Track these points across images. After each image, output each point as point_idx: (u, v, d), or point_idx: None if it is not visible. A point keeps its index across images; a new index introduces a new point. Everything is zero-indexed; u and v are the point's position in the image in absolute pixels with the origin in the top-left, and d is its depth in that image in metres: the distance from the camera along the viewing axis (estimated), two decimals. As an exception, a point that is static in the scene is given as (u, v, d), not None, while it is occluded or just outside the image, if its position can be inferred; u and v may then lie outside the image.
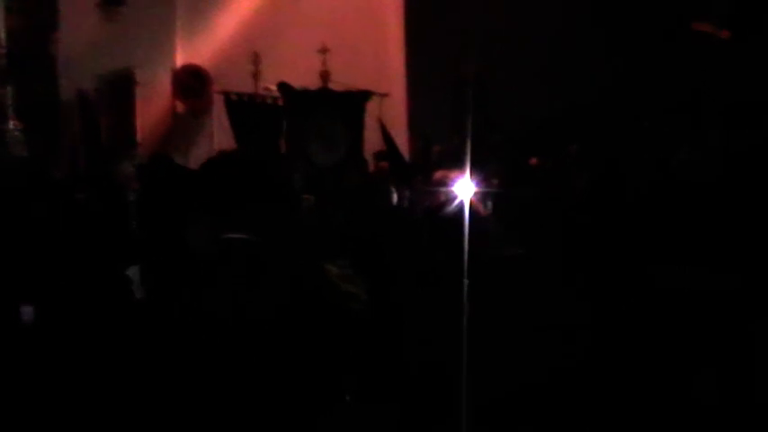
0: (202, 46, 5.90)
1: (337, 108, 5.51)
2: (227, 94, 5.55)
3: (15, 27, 4.83)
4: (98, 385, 1.88)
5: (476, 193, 2.32)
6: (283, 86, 5.47)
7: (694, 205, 2.47)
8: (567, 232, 2.53)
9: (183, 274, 1.73)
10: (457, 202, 2.30)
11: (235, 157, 2.61)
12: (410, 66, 5.97)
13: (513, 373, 2.00)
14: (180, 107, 5.95)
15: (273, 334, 1.51)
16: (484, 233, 2.23)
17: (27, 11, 4.99)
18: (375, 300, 1.74)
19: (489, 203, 2.48)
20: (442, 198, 2.53)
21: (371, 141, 5.38)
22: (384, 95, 5.54)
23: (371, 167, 4.99)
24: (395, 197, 2.71)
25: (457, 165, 2.62)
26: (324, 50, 5.49)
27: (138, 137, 5.53)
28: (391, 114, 5.56)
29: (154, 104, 5.77)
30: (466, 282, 1.93)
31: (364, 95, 5.52)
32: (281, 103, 5.57)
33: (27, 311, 2.03)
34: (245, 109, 5.54)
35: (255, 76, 5.55)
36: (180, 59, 5.94)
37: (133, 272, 2.13)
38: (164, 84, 5.85)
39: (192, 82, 5.87)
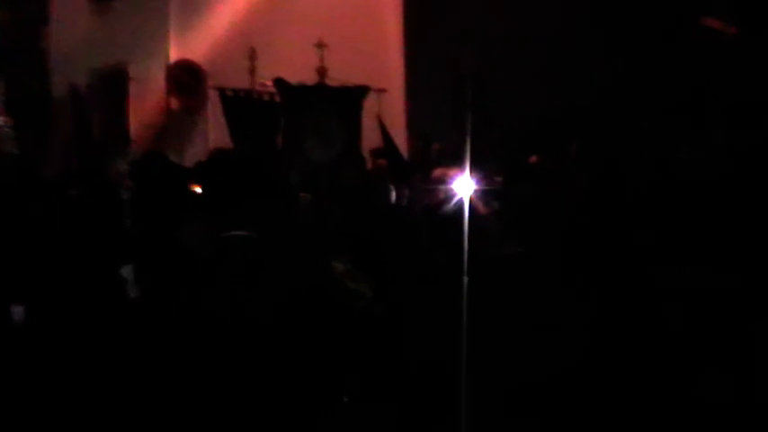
0: (197, 41, 5.84)
1: (334, 104, 5.48)
2: (222, 90, 5.51)
3: (4, 20, 4.76)
4: (90, 385, 1.85)
5: (475, 192, 2.30)
6: (280, 82, 5.43)
7: (695, 205, 2.46)
8: (566, 231, 2.51)
9: (178, 272, 1.70)
10: (456, 200, 2.28)
11: (231, 154, 2.58)
12: (409, 63, 5.95)
13: (512, 372, 1.99)
14: (174, 103, 5.89)
15: (276, 332, 1.48)
16: (483, 232, 2.21)
17: (16, 3, 4.92)
18: (379, 298, 1.72)
19: (495, 203, 2.46)
20: (441, 196, 2.51)
21: (370, 139, 5.35)
22: (382, 91, 5.50)
23: (369, 165, 4.96)
24: (393, 195, 2.69)
25: (456, 163, 2.59)
26: (321, 45, 5.44)
27: (132, 134, 5.47)
28: (390, 112, 5.53)
29: (147, 101, 5.71)
30: (465, 280, 1.91)
31: (361, 91, 5.49)
32: (277, 99, 5.53)
33: (18, 311, 2.00)
34: (240, 105, 5.49)
35: (251, 71, 5.50)
36: (174, 54, 5.88)
37: (127, 271, 2.10)
38: (157, 79, 5.79)
39: (186, 78, 5.82)
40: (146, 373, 1.64)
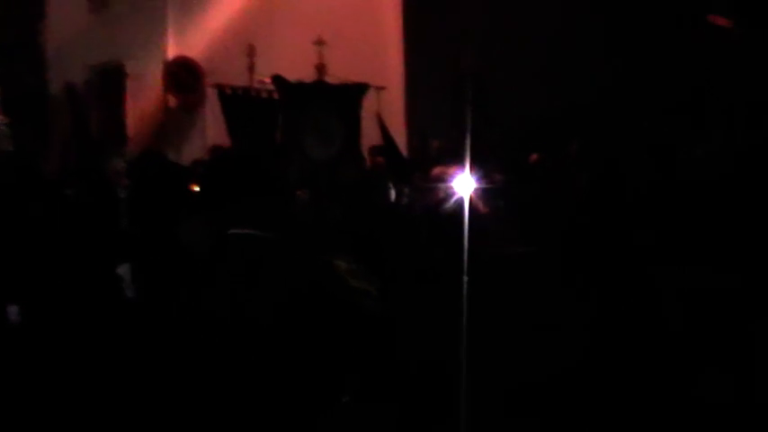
0: (195, 38, 5.81)
1: (333, 101, 5.47)
2: (220, 88, 5.48)
3: (0, 17, 4.72)
4: (88, 385, 1.84)
5: (475, 191, 2.29)
6: (278, 79, 5.41)
7: (695, 205, 2.46)
8: (566, 231, 2.51)
9: (177, 271, 1.69)
10: (456, 198, 2.26)
11: (229, 152, 2.56)
12: (409, 61, 5.94)
13: (512, 372, 1.98)
14: (172, 101, 5.86)
15: (278, 331, 1.47)
16: (483, 231, 2.20)
17: (13, 0, 4.88)
18: (381, 297, 1.71)
19: (495, 202, 2.45)
20: (441, 195, 2.49)
21: (369, 137, 5.33)
22: (381, 89, 5.49)
23: (369, 163, 4.95)
24: (392, 193, 2.68)
25: (456, 161, 2.58)
26: (320, 42, 5.43)
27: (129, 131, 5.44)
28: (390, 110, 5.52)
29: (145, 98, 5.69)
30: (465, 279, 1.90)
31: (361, 89, 5.47)
32: (276, 96, 5.51)
33: (13, 311, 1.98)
34: (239, 103, 5.47)
35: (250, 68, 5.48)
36: (171, 51, 5.85)
37: (124, 270, 2.08)
38: (155, 77, 5.76)
39: (184, 75, 5.79)
40: (144, 372, 1.63)
